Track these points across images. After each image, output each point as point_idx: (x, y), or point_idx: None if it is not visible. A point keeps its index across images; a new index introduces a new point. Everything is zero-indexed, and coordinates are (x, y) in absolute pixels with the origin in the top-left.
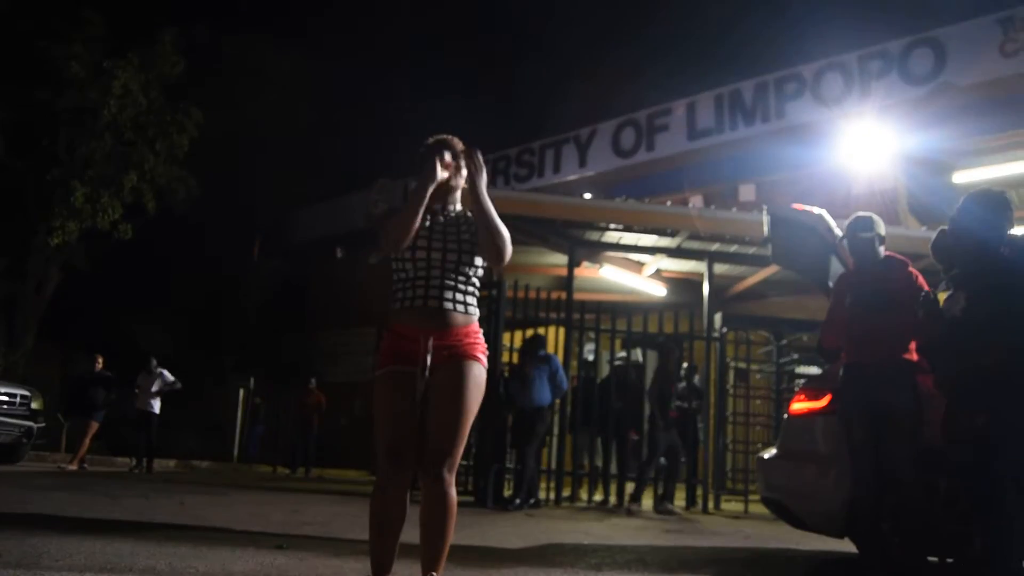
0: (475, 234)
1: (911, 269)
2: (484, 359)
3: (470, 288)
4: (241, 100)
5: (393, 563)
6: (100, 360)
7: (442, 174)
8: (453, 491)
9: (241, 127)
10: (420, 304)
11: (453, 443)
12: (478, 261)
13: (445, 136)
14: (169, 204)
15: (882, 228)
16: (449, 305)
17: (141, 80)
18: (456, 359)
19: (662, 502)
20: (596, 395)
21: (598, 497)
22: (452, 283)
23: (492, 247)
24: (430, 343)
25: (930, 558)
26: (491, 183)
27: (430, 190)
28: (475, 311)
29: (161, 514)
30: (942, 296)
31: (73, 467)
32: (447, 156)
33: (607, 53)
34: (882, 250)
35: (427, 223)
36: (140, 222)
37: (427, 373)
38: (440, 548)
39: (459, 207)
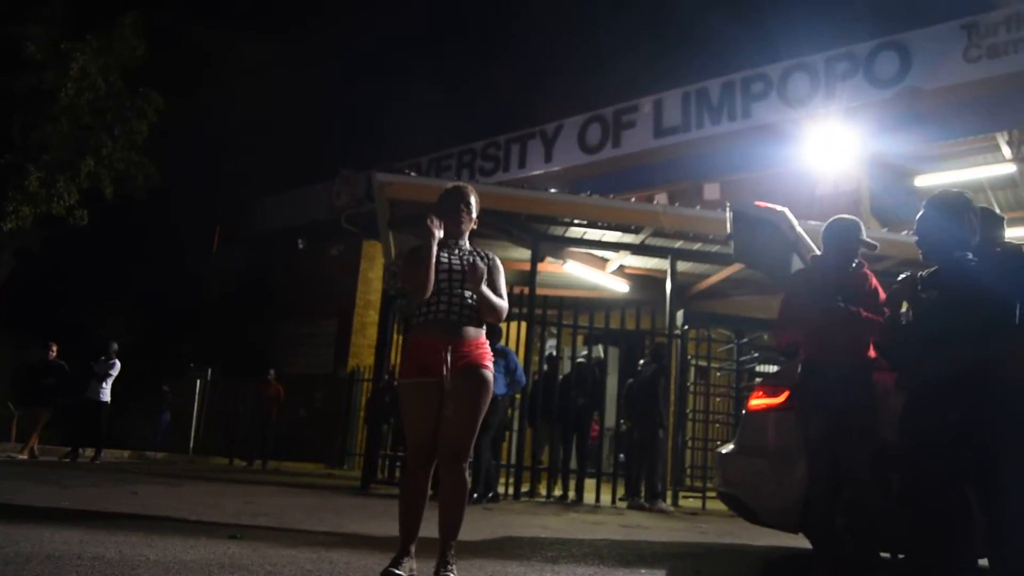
0: (487, 267)
1: (866, 270)
2: (491, 365)
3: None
4: (203, 87)
5: (417, 536)
6: (54, 348)
7: (438, 233)
8: (467, 475)
9: (203, 115)
10: (442, 317)
11: (468, 439)
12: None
13: (461, 185)
14: (127, 191)
15: (863, 233)
16: (464, 320)
17: (100, 63)
18: (470, 367)
19: (655, 499)
20: (557, 390)
21: (557, 492)
22: (467, 303)
23: (489, 315)
24: (448, 353)
25: (882, 554)
26: (456, 176)
27: (433, 247)
28: (483, 327)
29: (112, 503)
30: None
31: (23, 456)
32: (436, 220)
33: (575, 49)
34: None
35: (444, 257)
36: (98, 209)
37: (447, 377)
38: (458, 522)
39: (467, 245)
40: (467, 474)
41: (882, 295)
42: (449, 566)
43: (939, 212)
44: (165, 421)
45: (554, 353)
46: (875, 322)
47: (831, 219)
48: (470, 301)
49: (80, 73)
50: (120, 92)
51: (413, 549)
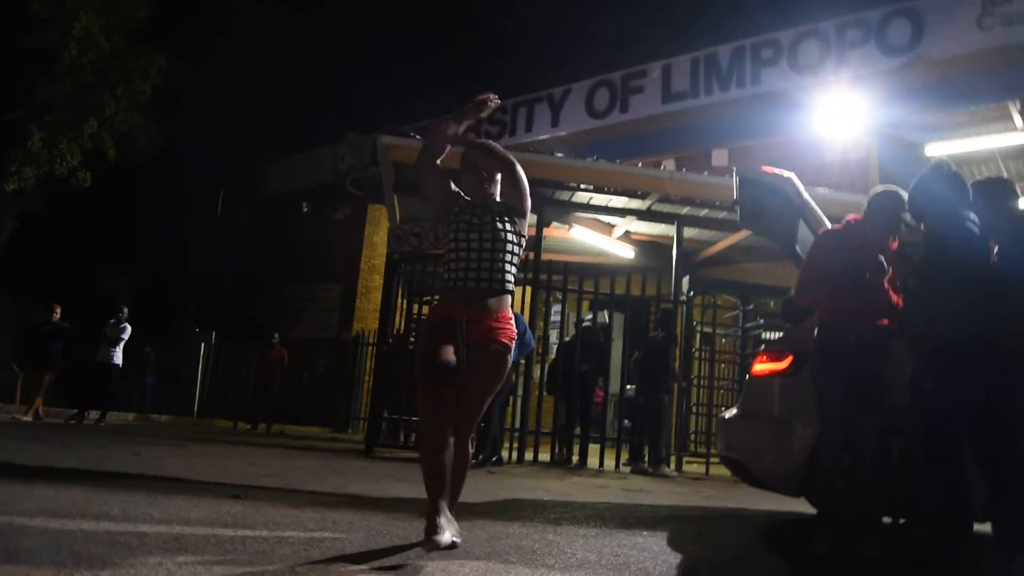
0: (513, 221)
1: (896, 245)
2: (512, 344)
3: (507, 266)
4: (207, 48)
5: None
6: (57, 310)
7: (454, 128)
8: (470, 446)
9: (207, 76)
10: (460, 286)
11: (476, 413)
12: (514, 239)
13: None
14: (130, 153)
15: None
16: (485, 285)
17: (103, 23)
18: (486, 342)
19: (659, 464)
20: (562, 356)
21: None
22: (496, 266)
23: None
24: (465, 324)
25: (883, 518)
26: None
27: (437, 148)
28: (511, 290)
29: (116, 464)
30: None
31: (28, 418)
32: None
33: (585, 11)
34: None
35: (468, 215)
36: (101, 171)
37: (465, 345)
38: (459, 489)
39: (497, 200)
40: (471, 444)
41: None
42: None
43: (935, 178)
44: (149, 384)
45: (598, 321)
46: (896, 306)
47: (883, 189)
48: (499, 265)
49: (83, 32)
50: (123, 52)
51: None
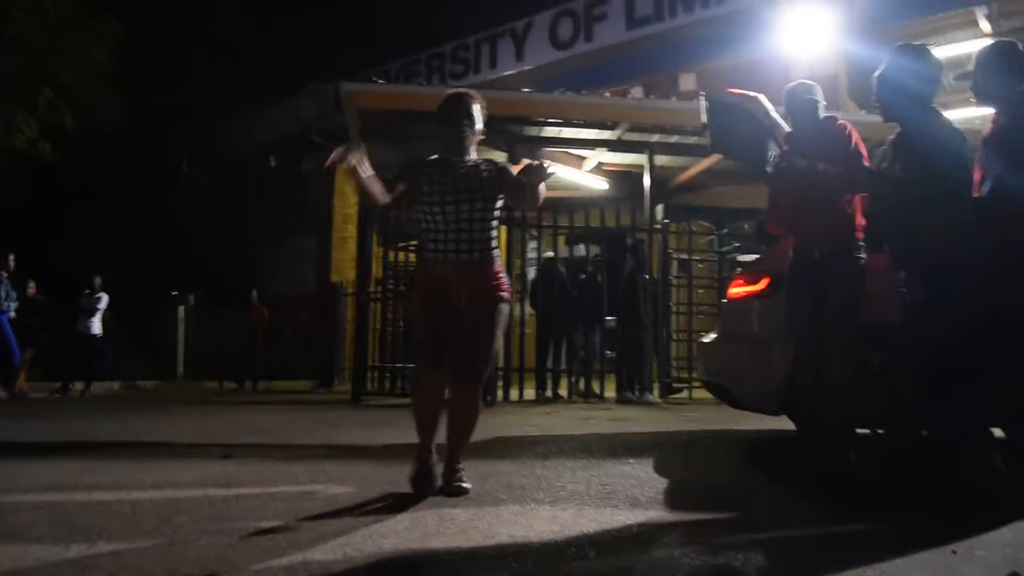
0: (493, 178)
1: (850, 129)
2: (507, 296)
3: (490, 232)
4: (160, 8)
5: (433, 441)
6: (32, 285)
7: (351, 161)
8: (479, 399)
9: (164, 35)
10: (452, 258)
11: (483, 362)
12: (496, 205)
13: (462, 93)
14: (90, 121)
15: (821, 96)
16: (476, 256)
17: None
18: (483, 298)
19: (643, 392)
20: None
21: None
22: (476, 234)
23: (531, 208)
24: (459, 286)
25: (861, 430)
26: (426, 82)
27: (359, 181)
28: (496, 251)
29: (104, 433)
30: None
31: (2, 394)
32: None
33: None
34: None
35: (449, 177)
36: (63, 144)
37: (461, 302)
38: (466, 438)
39: (474, 156)
40: (479, 396)
41: (864, 152)
42: (458, 473)
43: (899, 67)
44: (106, 354)
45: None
46: (843, 175)
47: (795, 83)
48: (477, 225)
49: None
50: (73, 17)
51: (434, 449)
